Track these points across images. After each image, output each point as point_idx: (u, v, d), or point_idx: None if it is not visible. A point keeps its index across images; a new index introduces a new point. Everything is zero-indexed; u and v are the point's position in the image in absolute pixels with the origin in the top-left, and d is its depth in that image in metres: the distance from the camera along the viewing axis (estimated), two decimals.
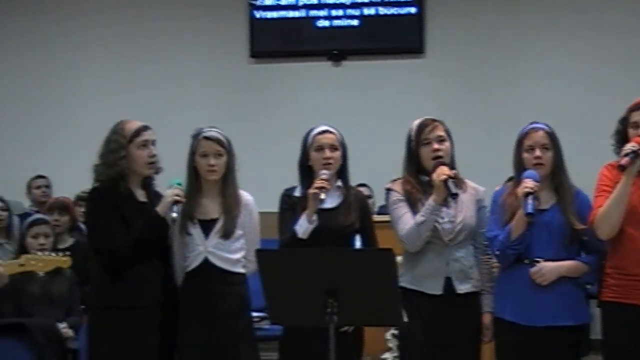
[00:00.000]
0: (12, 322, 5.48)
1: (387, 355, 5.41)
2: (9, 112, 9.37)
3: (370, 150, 7.89)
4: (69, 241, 6.53)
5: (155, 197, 4.37)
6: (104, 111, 7.79)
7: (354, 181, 4.60)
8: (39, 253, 3.86)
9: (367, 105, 8.96)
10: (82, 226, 6.71)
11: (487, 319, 4.26)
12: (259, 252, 3.83)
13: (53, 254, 3.84)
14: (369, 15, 9.02)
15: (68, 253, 3.89)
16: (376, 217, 4.90)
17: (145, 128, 4.35)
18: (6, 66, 9.42)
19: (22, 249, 5.84)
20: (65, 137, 9.11)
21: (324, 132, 4.40)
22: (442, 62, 8.97)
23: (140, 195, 4.38)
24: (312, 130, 4.43)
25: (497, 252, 4.16)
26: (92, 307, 4.42)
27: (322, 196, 4.16)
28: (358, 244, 4.40)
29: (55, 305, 5.77)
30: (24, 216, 7.03)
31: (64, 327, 5.63)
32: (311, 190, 4.20)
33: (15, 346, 5.39)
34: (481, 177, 4.52)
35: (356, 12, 9.03)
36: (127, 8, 9.32)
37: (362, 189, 5.48)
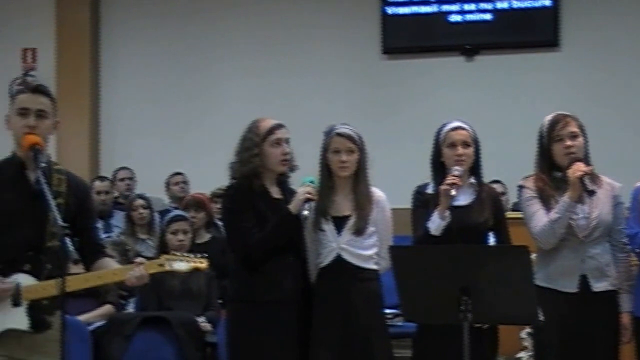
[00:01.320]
0: (155, 316, 5.66)
1: (522, 354, 5.33)
2: (149, 111, 9.64)
3: (503, 147, 7.79)
4: (205, 237, 6.66)
5: (290, 194, 4.43)
6: (240, 109, 7.94)
7: (487, 178, 4.56)
8: (178, 254, 3.95)
9: (501, 100, 8.84)
10: (219, 222, 6.86)
11: (626, 318, 4.15)
12: (392, 249, 3.84)
13: (191, 256, 3.94)
14: (502, 9, 8.89)
15: (205, 255, 3.98)
16: (510, 214, 4.84)
17: (278, 126, 4.42)
18: (144, 67, 9.70)
19: (163, 245, 6.01)
20: (203, 135, 9.32)
21: (456, 128, 4.36)
22: (577, 55, 8.77)
23: (275, 193, 4.44)
24: (444, 126, 4.41)
25: (638, 250, 4.06)
26: (229, 301, 4.52)
27: (453, 192, 4.13)
28: (492, 241, 4.36)
29: (194, 300, 5.90)
30: (164, 213, 7.21)
31: (202, 321, 5.74)
32: (442, 187, 4.19)
33: (158, 339, 5.56)
34: (618, 173, 4.40)
35: (489, 6, 8.92)
36: (262, 6, 9.46)
37: (495, 185, 5.42)
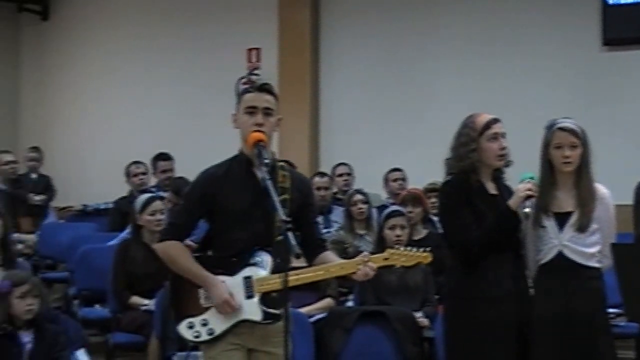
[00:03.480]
0: (374, 310, 5.75)
1: None
2: (367, 108, 9.78)
3: None
4: (422, 233, 6.67)
5: (505, 190, 4.40)
6: (455, 104, 7.93)
7: None
8: (401, 248, 4.00)
9: None
10: (434, 218, 6.87)
11: None
12: (614, 247, 3.74)
13: (414, 250, 3.98)
14: None
15: (428, 248, 4.01)
16: None
17: (495, 121, 4.38)
18: (362, 64, 9.84)
19: (381, 240, 6.10)
20: (419, 130, 9.35)
21: None
22: None
23: (491, 188, 4.41)
24: None
25: None
26: (447, 297, 4.54)
27: None
28: None
29: (411, 295, 5.94)
30: (381, 208, 7.30)
31: (419, 317, 5.78)
32: None
33: (377, 333, 5.65)
34: None
35: None
36: (479, 1, 9.39)
37: None
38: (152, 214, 6.40)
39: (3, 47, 11.28)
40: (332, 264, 3.96)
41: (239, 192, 3.90)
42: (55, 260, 8.49)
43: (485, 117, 4.39)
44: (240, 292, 3.86)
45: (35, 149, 9.77)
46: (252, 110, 3.90)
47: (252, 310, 3.85)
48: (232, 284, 3.87)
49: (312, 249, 4.02)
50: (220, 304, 3.82)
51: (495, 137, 4.33)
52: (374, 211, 7.31)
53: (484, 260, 4.26)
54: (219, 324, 3.86)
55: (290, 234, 3.53)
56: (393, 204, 7.48)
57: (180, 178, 7.72)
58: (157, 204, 6.49)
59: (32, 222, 8.97)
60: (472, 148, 4.32)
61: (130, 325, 6.13)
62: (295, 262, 3.86)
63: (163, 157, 9.03)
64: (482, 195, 4.35)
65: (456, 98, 8.92)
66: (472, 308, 4.25)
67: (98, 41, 11.01)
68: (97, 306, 6.85)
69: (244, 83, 9.58)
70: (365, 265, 3.84)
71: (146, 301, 6.11)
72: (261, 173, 3.80)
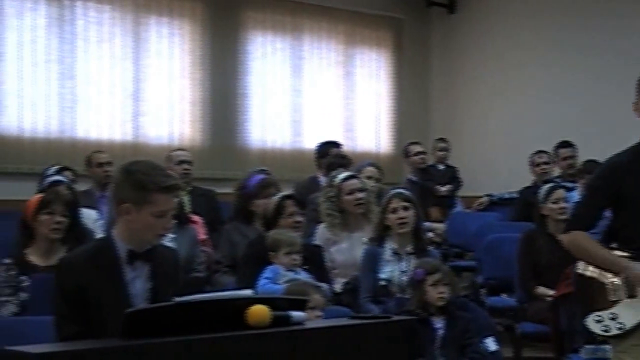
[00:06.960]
0: None
1: None
2: None
3: None
4: None
5: None
6: None
7: None
8: None
9: None
10: None
11: None
12: None
13: None
14: None
15: None
16: None
17: None
18: None
19: None
20: None
21: None
22: None
23: None
24: None
25: None
26: None
27: None
28: None
29: None
30: None
31: None
32: None
33: None
34: None
35: None
36: None
37: None
38: (555, 202, 6.43)
39: (414, 42, 11.78)
40: None
41: None
42: (463, 249, 8.77)
43: None
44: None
45: (442, 140, 10.10)
46: None
47: None
48: None
49: None
50: None
51: None
52: None
53: None
54: (629, 318, 3.81)
55: None
56: None
57: (592, 161, 7.62)
58: (560, 192, 6.51)
59: (440, 212, 9.32)
60: None
61: (536, 315, 6.19)
62: None
63: (564, 144, 8.98)
64: None
65: None
66: None
67: (504, 32, 11.12)
68: (503, 295, 6.99)
69: None
70: None
71: (551, 292, 6.14)
72: None
